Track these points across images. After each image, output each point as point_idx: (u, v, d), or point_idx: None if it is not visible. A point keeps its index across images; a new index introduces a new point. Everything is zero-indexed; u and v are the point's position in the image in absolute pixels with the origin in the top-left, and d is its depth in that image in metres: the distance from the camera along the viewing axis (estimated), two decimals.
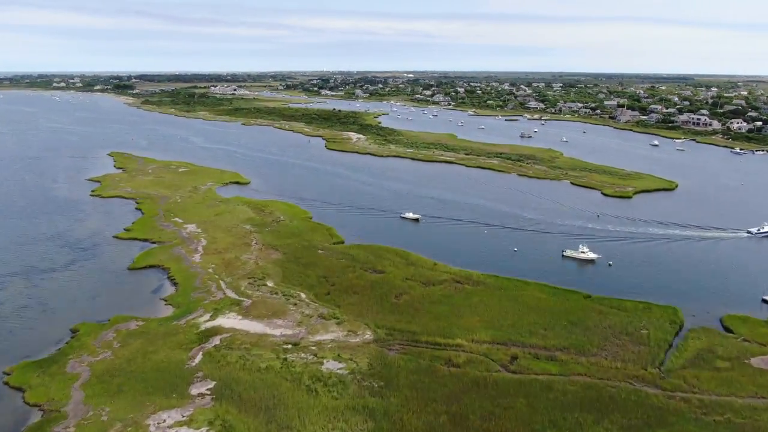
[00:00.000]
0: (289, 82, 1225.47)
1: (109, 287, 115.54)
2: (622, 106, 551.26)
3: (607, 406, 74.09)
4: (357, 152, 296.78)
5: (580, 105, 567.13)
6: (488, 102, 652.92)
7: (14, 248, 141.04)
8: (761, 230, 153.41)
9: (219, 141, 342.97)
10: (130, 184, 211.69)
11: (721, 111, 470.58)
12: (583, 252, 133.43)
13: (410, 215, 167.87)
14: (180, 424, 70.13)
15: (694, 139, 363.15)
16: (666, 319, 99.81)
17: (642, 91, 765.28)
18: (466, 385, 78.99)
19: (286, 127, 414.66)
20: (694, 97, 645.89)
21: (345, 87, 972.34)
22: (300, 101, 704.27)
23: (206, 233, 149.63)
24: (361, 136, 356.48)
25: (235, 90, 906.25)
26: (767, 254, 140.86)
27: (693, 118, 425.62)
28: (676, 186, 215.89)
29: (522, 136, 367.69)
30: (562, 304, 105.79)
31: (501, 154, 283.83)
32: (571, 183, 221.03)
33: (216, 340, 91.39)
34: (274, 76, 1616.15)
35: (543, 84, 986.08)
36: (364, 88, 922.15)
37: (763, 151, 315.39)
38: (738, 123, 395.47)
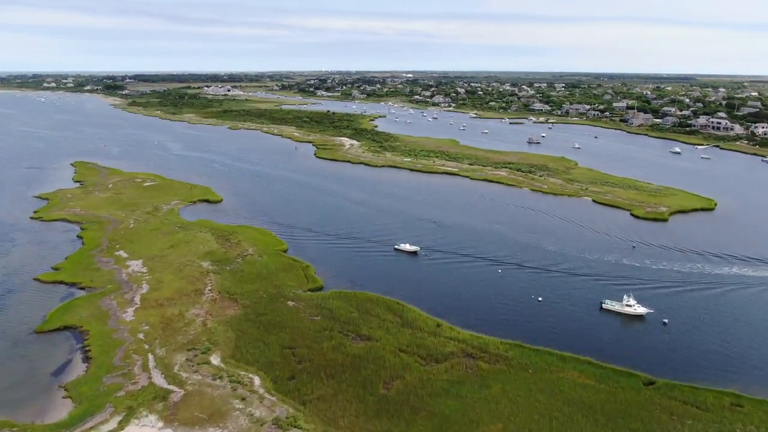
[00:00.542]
0: (285, 82, 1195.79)
1: None
2: (632, 108, 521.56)
3: None
4: (349, 161, 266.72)
5: (587, 107, 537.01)
6: (491, 103, 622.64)
7: None
8: None
9: (198, 148, 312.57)
10: (81, 203, 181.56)
11: (740, 114, 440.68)
12: (628, 305, 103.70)
13: (407, 247, 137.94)
14: None
15: (717, 146, 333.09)
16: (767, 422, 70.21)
17: (649, 92, 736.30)
18: None
19: (275, 131, 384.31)
20: (705, 98, 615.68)
21: (342, 87, 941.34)
22: (294, 102, 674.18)
23: (151, 274, 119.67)
24: (354, 141, 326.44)
25: (228, 90, 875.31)
26: None
27: (712, 122, 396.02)
28: (715, 205, 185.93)
29: (530, 142, 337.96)
30: (615, 398, 75.90)
31: (509, 163, 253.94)
32: (594, 201, 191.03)
33: None
34: (272, 76, 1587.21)
35: (545, 84, 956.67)
36: (362, 88, 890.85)
37: None
38: (764, 127, 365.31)
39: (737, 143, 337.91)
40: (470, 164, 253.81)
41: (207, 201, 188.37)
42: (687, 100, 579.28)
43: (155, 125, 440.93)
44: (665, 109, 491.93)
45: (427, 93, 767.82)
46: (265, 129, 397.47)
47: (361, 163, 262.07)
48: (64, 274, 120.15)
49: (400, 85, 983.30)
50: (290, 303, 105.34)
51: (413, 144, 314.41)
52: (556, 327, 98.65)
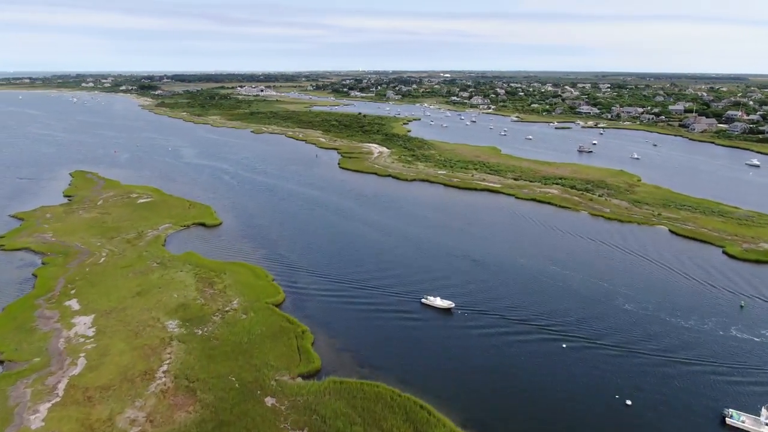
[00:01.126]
0: (321, 82, 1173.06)
1: None
2: (691, 111, 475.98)
3: None
4: (376, 173, 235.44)
5: (640, 110, 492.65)
6: (533, 105, 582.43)
7: None
8: None
9: (213, 155, 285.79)
10: (56, 226, 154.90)
11: None
12: (767, 424, 69.63)
13: (437, 302, 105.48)
14: None
15: None
16: None
17: (704, 93, 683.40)
18: None
19: (300, 135, 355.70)
20: None
21: (377, 88, 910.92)
22: (326, 103, 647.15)
23: (97, 340, 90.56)
24: (384, 149, 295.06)
25: (261, 90, 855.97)
26: None
27: None
28: None
29: (580, 151, 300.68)
30: None
31: (561, 178, 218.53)
32: (671, 231, 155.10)
33: None
34: (308, 76, 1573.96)
35: (589, 85, 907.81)
36: (397, 88, 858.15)
37: None
38: None
39: None
40: (515, 179, 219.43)
41: (203, 225, 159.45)
42: (751, 103, 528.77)
43: (177, 128, 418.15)
44: (730, 113, 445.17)
45: (465, 94, 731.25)
46: (290, 133, 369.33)
47: (389, 175, 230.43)
48: None
49: (436, 86, 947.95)
50: (269, 401, 74.37)
51: (449, 152, 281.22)
52: None
